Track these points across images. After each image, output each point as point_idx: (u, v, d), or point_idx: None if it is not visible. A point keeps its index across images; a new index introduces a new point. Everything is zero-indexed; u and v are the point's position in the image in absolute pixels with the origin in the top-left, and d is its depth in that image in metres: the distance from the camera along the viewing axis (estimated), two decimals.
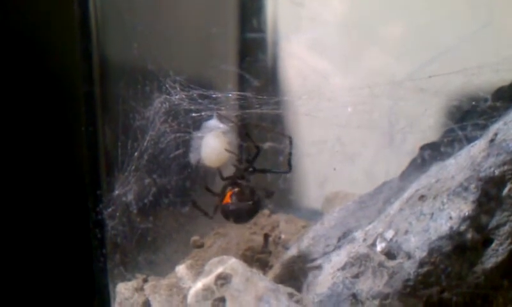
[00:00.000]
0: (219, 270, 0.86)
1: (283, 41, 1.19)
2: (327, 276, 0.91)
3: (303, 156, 1.02)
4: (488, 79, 0.87)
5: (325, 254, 0.96)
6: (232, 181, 0.96)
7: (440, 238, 0.81)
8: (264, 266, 1.04)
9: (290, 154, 0.95)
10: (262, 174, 0.98)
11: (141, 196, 1.00)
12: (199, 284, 0.86)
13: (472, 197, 0.81)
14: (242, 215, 0.96)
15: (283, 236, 1.12)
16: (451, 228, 0.80)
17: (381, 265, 0.85)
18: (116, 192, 1.00)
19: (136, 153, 0.97)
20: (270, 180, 1.04)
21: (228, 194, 0.95)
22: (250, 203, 0.95)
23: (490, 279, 0.79)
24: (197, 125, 0.95)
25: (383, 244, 0.86)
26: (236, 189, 0.95)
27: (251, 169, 0.97)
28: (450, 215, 0.81)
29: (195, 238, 1.12)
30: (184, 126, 0.95)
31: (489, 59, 0.85)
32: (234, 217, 0.95)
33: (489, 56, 0.85)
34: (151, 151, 0.97)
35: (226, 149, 0.94)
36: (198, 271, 0.98)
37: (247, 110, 0.94)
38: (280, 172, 0.98)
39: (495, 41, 0.90)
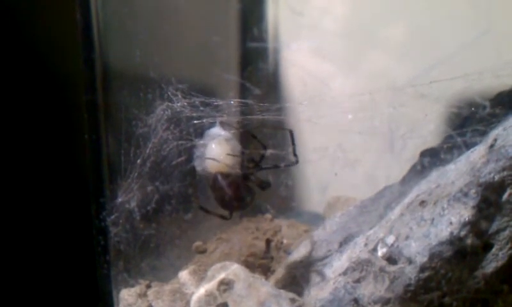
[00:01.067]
0: (222, 275, 0.86)
1: (284, 49, 1.20)
2: (328, 281, 0.91)
3: (304, 162, 1.02)
4: (488, 84, 0.87)
5: (326, 259, 0.96)
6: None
7: (441, 243, 0.81)
8: (266, 271, 1.05)
9: (293, 146, 0.95)
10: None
11: (144, 202, 1.01)
12: (202, 290, 0.86)
13: (471, 203, 0.81)
14: (234, 200, 0.96)
15: (285, 241, 1.12)
16: (451, 233, 0.81)
17: (382, 270, 0.85)
18: (119, 199, 1.00)
19: (138, 161, 0.98)
20: (272, 186, 1.04)
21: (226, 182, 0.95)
22: (243, 190, 0.96)
23: (490, 283, 0.80)
24: (199, 132, 0.96)
25: (384, 249, 0.86)
26: (233, 178, 0.96)
27: (258, 167, 0.97)
28: (450, 220, 0.82)
29: (197, 243, 1.13)
30: (186, 134, 0.96)
31: (490, 64, 0.85)
32: (224, 200, 0.96)
33: (490, 61, 0.86)
34: (153, 159, 0.97)
35: (229, 154, 0.95)
36: (200, 277, 0.98)
37: (249, 116, 0.95)
38: (288, 165, 0.98)
39: (495, 46, 0.90)
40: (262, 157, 0.97)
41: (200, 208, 0.99)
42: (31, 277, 1.18)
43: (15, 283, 1.17)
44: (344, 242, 0.96)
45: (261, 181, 0.98)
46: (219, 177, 0.94)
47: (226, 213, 0.97)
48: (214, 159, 0.94)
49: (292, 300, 0.86)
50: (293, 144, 0.95)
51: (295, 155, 0.95)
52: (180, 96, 0.95)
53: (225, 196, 0.95)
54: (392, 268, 0.84)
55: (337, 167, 0.96)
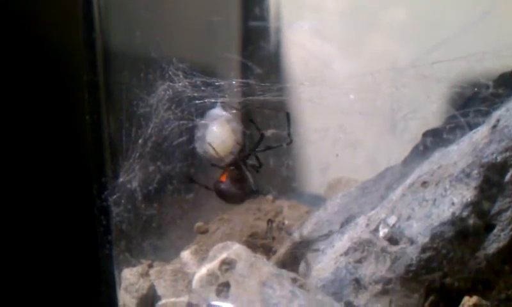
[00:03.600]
0: (224, 255, 0.87)
1: (286, 28, 1.19)
2: (330, 261, 0.92)
3: (305, 143, 1.02)
4: (490, 65, 0.87)
5: (328, 239, 0.96)
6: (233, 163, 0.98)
7: (442, 223, 0.82)
8: (267, 251, 1.05)
9: (289, 127, 0.95)
10: (264, 164, 0.98)
11: (146, 182, 1.01)
12: (203, 270, 0.87)
13: (474, 183, 0.81)
14: (232, 196, 0.98)
15: (286, 221, 1.12)
16: (453, 213, 0.81)
17: (383, 250, 0.86)
18: (121, 179, 1.00)
19: (140, 141, 0.98)
20: (273, 167, 1.05)
21: (225, 174, 0.96)
22: (240, 187, 0.97)
23: (492, 264, 0.80)
24: (200, 112, 0.95)
25: (386, 230, 0.87)
26: (233, 170, 0.97)
27: (253, 151, 0.98)
28: (452, 201, 0.82)
29: (199, 224, 1.13)
30: (187, 114, 0.96)
31: (492, 44, 0.85)
32: (224, 196, 0.98)
33: (492, 42, 0.85)
34: (155, 139, 0.97)
35: (236, 142, 0.95)
36: (202, 256, 0.98)
37: (250, 97, 0.95)
38: (281, 145, 0.98)
39: (498, 27, 0.89)
40: (259, 142, 0.97)
41: (190, 180, 1.00)
42: (33, 258, 1.18)
43: (17, 263, 1.17)
44: (345, 223, 0.96)
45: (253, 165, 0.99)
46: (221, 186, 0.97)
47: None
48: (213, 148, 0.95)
49: (294, 280, 0.86)
50: (289, 125, 0.95)
51: (289, 134, 0.96)
52: (181, 76, 0.94)
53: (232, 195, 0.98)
54: (394, 248, 0.85)
55: (338, 148, 0.96)
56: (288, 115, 0.96)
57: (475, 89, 0.86)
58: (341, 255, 0.90)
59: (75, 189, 1.17)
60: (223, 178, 0.96)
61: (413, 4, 1.07)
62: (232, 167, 0.96)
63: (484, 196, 0.81)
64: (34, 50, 1.16)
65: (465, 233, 0.80)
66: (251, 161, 0.99)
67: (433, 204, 0.84)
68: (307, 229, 1.01)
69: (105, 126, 1.04)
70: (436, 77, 0.88)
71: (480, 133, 0.84)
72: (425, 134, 0.94)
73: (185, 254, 1.01)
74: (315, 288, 0.88)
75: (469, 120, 0.87)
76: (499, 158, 0.80)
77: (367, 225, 0.90)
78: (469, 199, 0.81)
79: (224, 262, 0.86)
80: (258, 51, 1.14)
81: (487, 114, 0.86)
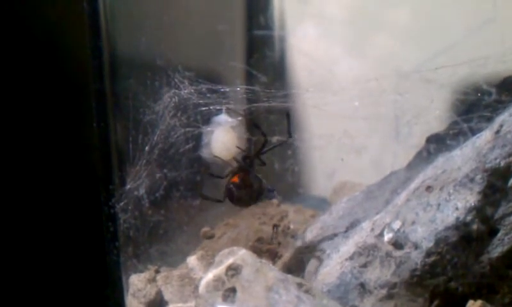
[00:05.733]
0: (230, 261, 0.87)
1: (290, 36, 1.20)
2: (335, 266, 0.92)
3: (311, 148, 1.03)
4: (494, 70, 0.87)
5: (333, 243, 0.97)
6: (239, 168, 0.99)
7: (447, 228, 0.82)
8: (273, 256, 1.05)
9: (289, 124, 0.96)
10: (269, 169, 0.99)
11: (152, 189, 1.02)
12: (210, 275, 0.87)
13: (477, 188, 0.82)
14: (245, 198, 1.00)
15: (291, 226, 1.12)
16: (457, 218, 0.81)
17: (388, 255, 0.86)
18: (128, 186, 1.01)
19: (146, 148, 0.98)
20: (279, 172, 1.05)
21: (236, 177, 0.97)
22: (253, 188, 0.98)
23: (496, 268, 0.80)
24: (206, 119, 0.96)
25: (390, 234, 0.87)
26: (243, 173, 0.98)
27: (258, 155, 0.99)
28: (456, 205, 0.82)
29: (205, 229, 1.13)
30: (193, 121, 0.96)
31: (496, 49, 0.85)
32: (237, 198, 0.99)
33: (496, 47, 0.86)
34: (161, 146, 0.98)
35: (237, 147, 0.96)
36: (208, 262, 0.99)
37: (255, 104, 0.95)
38: (281, 143, 0.99)
39: (501, 31, 0.90)
40: (263, 146, 0.98)
41: (200, 195, 1.01)
42: (42, 264, 1.19)
43: (26, 270, 1.18)
44: (351, 227, 0.96)
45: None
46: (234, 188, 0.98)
47: (221, 197, 1.00)
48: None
49: (299, 285, 0.86)
50: (288, 124, 0.96)
51: (288, 131, 0.96)
52: (187, 83, 0.95)
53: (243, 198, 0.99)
54: (398, 253, 0.85)
55: (343, 153, 0.96)
56: (288, 115, 0.96)
57: (478, 94, 0.87)
58: (346, 260, 0.91)
59: (83, 196, 1.17)
60: (235, 179, 0.97)
61: (417, 10, 1.07)
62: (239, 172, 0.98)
63: (487, 201, 0.81)
64: (41, 59, 1.17)
65: (469, 238, 0.81)
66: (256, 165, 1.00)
67: (437, 209, 0.84)
68: (312, 234, 1.02)
69: (113, 133, 1.05)
70: (439, 83, 0.88)
71: (484, 138, 0.84)
72: (428, 139, 0.94)
73: (192, 260, 1.01)
74: (320, 292, 0.88)
75: (472, 126, 0.87)
76: (502, 163, 0.81)
77: (372, 229, 0.90)
78: (473, 204, 0.81)
79: (230, 267, 0.86)
80: (263, 59, 1.14)
81: (490, 119, 0.86)
